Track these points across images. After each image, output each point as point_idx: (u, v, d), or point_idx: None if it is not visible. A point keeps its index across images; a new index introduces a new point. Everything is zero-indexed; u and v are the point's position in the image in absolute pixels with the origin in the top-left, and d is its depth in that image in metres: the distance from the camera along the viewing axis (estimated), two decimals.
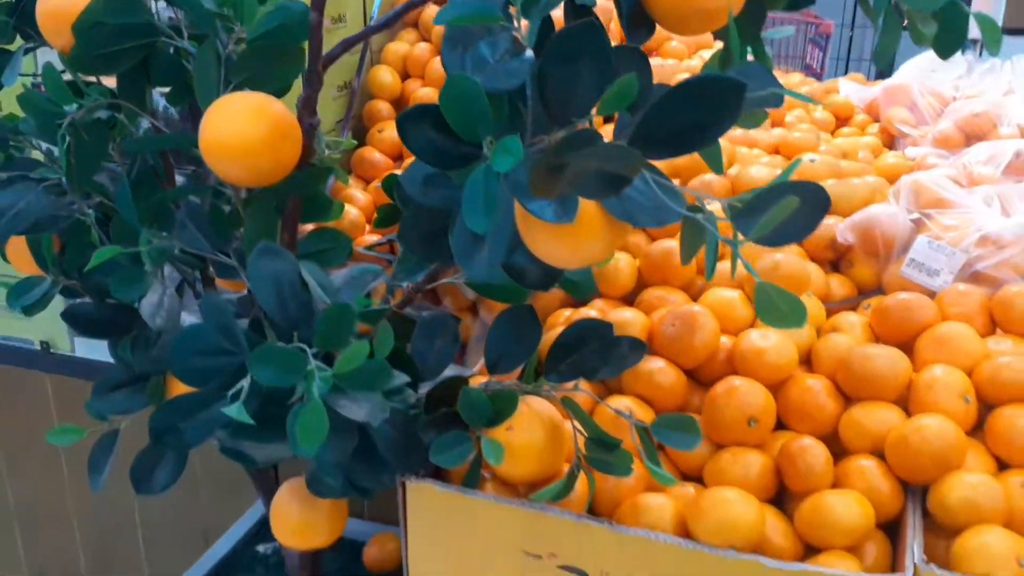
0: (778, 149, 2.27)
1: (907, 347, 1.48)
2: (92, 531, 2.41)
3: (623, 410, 1.43)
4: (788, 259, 1.55)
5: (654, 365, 1.47)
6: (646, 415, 1.44)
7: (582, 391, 1.32)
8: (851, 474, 1.31)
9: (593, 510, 1.34)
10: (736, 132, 2.26)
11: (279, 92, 1.21)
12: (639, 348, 1.27)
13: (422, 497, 1.33)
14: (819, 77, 5.14)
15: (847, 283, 1.78)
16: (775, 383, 1.44)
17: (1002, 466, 1.32)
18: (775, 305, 0.83)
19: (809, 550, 1.26)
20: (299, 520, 1.39)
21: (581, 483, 1.35)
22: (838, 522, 1.22)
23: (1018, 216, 1.67)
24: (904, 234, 1.70)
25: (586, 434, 1.26)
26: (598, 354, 1.29)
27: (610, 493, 1.34)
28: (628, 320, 1.51)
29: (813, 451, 1.31)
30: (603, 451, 1.24)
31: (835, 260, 1.84)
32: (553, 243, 0.95)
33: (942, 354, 1.42)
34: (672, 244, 1.71)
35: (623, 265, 1.70)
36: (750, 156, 2.06)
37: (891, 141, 3.03)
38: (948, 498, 1.22)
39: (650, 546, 1.21)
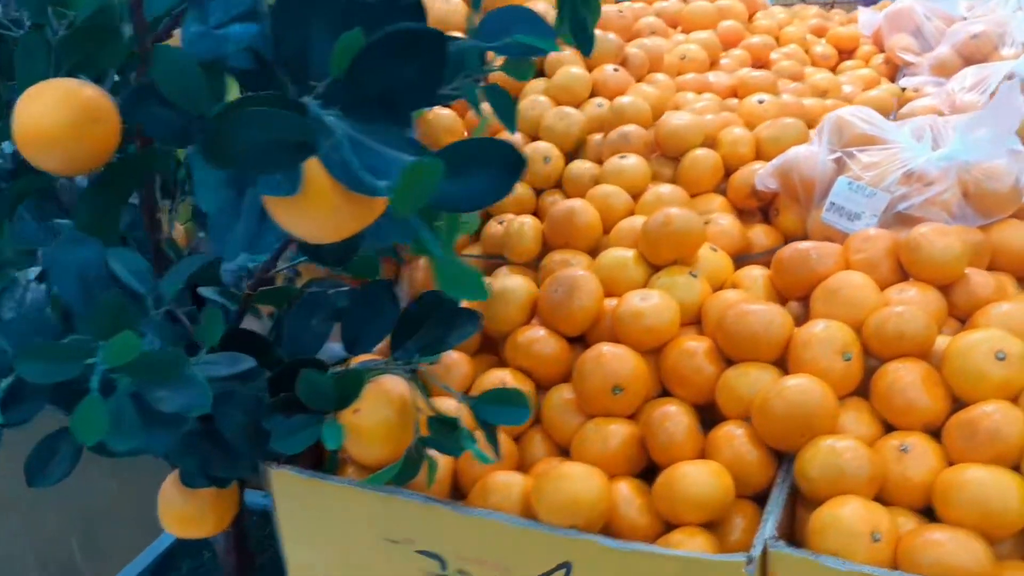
0: (736, 91, 2.14)
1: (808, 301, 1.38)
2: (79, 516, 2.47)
3: (500, 383, 1.38)
4: (680, 215, 1.45)
5: (534, 334, 1.40)
6: (525, 387, 1.38)
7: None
8: (718, 443, 1.22)
9: (463, 492, 1.30)
10: (688, 76, 2.14)
11: None
12: (473, 319, 1.21)
13: (285, 483, 1.31)
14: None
15: (773, 233, 1.67)
16: (656, 347, 1.36)
17: (889, 429, 1.22)
18: (456, 277, 0.76)
19: (670, 527, 1.19)
20: (181, 510, 1.38)
21: (447, 464, 1.31)
22: (690, 496, 1.14)
23: (946, 148, 1.52)
24: (825, 177, 1.57)
25: (429, 413, 1.21)
26: (442, 328, 1.23)
27: (474, 473, 1.29)
28: (511, 287, 1.45)
29: (675, 419, 1.23)
30: (444, 430, 1.19)
31: (765, 208, 1.73)
32: (292, 217, 0.90)
33: (832, 307, 1.31)
34: (577, 204, 1.62)
35: (527, 228, 1.63)
36: (687, 102, 1.94)
37: (895, 72, 2.85)
38: (809, 467, 1.13)
39: (493, 527, 1.16)
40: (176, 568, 1.96)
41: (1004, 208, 1.48)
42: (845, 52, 2.94)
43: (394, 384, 1.26)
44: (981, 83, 2.30)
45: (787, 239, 1.66)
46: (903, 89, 2.60)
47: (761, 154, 1.74)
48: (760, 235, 1.65)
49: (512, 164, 0.75)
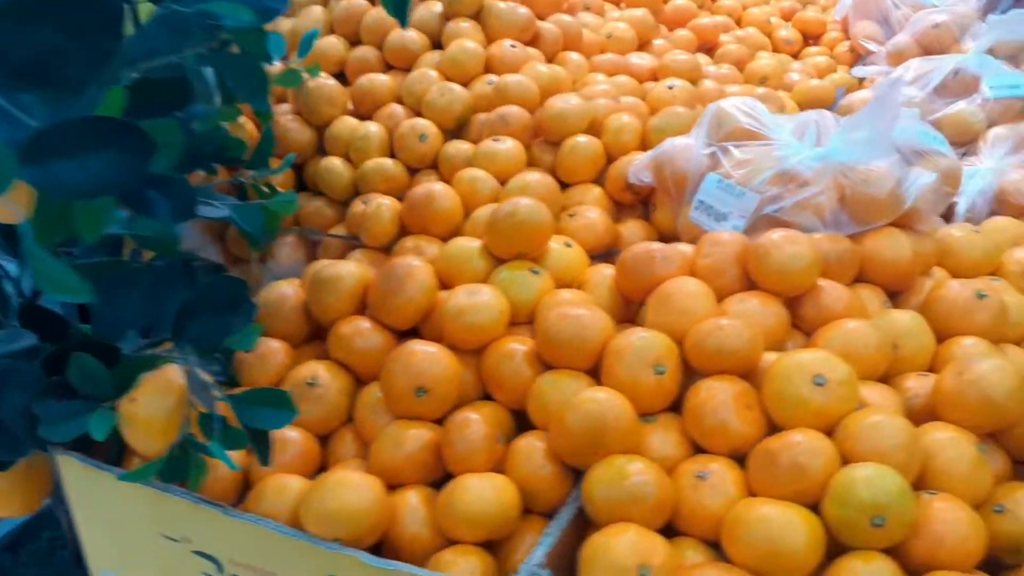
0: (655, 75, 2.02)
1: None
2: None
3: (311, 377, 1.29)
4: (527, 205, 1.35)
5: (357, 326, 1.31)
6: (340, 382, 1.29)
7: None
8: (514, 455, 1.13)
9: None
10: (606, 56, 2.02)
11: None
12: (249, 309, 1.12)
13: (70, 469, 1.24)
14: None
15: (647, 230, 1.56)
16: (479, 346, 1.26)
17: (700, 451, 1.12)
18: (49, 275, 0.68)
19: (451, 543, 1.10)
20: None
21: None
22: (465, 512, 1.05)
23: (823, 148, 1.40)
24: (698, 172, 1.46)
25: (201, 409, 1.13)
26: (226, 316, 1.14)
27: (260, 474, 1.20)
28: (338, 275, 1.35)
29: (472, 427, 1.14)
30: (208, 428, 1.11)
31: (644, 203, 1.62)
32: None
33: (663, 315, 1.21)
34: (436, 187, 1.53)
35: (384, 210, 1.54)
36: (594, 84, 1.83)
37: (858, 61, 2.71)
38: (595, 488, 1.04)
39: (260, 534, 1.08)
40: (36, 538, 1.91)
41: (881, 215, 1.37)
42: (812, 37, 2.80)
43: (178, 374, 1.18)
44: (923, 77, 2.17)
45: (662, 237, 1.56)
46: (861, 80, 2.48)
47: (646, 144, 1.64)
48: (634, 231, 1.55)
49: (136, 146, 0.66)
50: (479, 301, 1.25)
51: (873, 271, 1.34)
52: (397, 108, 1.75)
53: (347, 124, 1.75)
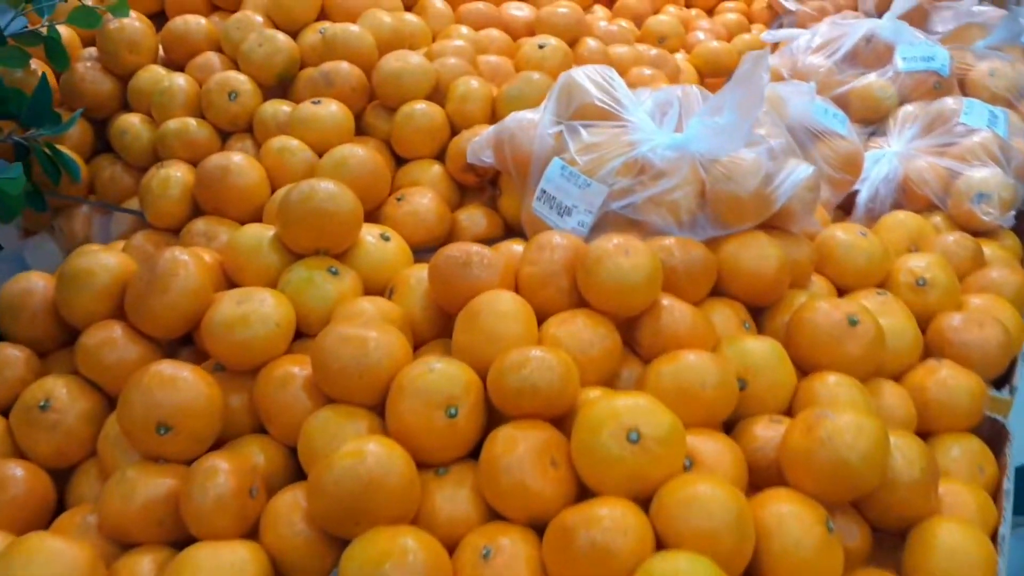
0: (533, 29, 1.78)
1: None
2: None
3: (44, 399, 1.06)
4: (325, 188, 1.11)
5: (108, 335, 1.07)
6: (85, 403, 1.06)
7: None
8: (267, 516, 0.92)
9: None
10: (476, 5, 1.77)
11: None
12: None
13: None
14: None
15: (493, 220, 1.34)
16: (254, 368, 1.04)
17: (497, 517, 0.92)
18: None
19: None
20: None
21: None
22: None
23: (680, 134, 1.19)
24: (543, 154, 1.24)
25: None
26: None
27: None
28: (90, 268, 1.10)
29: (217, 477, 0.91)
30: None
31: (493, 184, 1.40)
32: None
33: (470, 337, 0.99)
34: (235, 159, 1.28)
35: (172, 183, 1.29)
36: (447, 39, 1.58)
37: (775, 20, 2.50)
38: (349, 566, 0.83)
39: None
40: None
41: (746, 216, 1.16)
42: None
43: None
44: (832, 43, 1.96)
45: (510, 230, 1.34)
46: (774, 46, 2.26)
47: (497, 116, 1.40)
48: (476, 222, 1.33)
49: None
50: (249, 311, 1.03)
51: (732, 283, 1.14)
52: (213, 58, 1.49)
53: (151, 75, 1.48)
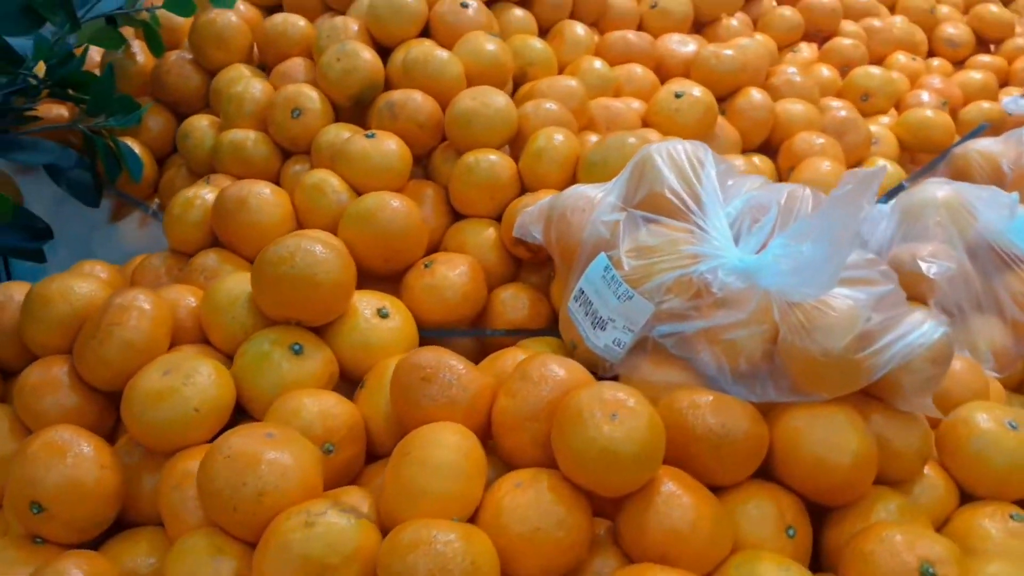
0: (689, 70, 1.50)
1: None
2: None
3: None
4: (307, 249, 0.92)
5: (46, 376, 0.95)
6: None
7: None
8: None
9: None
10: (623, 35, 1.52)
11: None
12: None
13: None
14: None
15: (537, 306, 1.11)
16: (174, 451, 0.88)
17: None
18: None
19: None
20: None
21: None
22: None
23: (758, 255, 0.89)
24: (591, 245, 0.98)
25: None
26: None
27: None
28: (49, 296, 0.98)
29: None
30: None
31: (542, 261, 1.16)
32: None
33: (392, 487, 0.78)
34: (258, 190, 1.12)
35: (194, 207, 1.16)
36: (575, 69, 1.35)
37: None
38: None
39: None
40: None
41: (824, 384, 0.86)
42: (989, 42, 2.13)
43: None
44: None
45: (555, 316, 1.10)
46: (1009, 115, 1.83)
47: (577, 178, 1.16)
48: (518, 305, 1.10)
49: None
50: (169, 387, 0.87)
51: (788, 470, 0.85)
52: (299, 66, 1.35)
53: (231, 76, 1.36)
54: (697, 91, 1.35)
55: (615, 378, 0.95)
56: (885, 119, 1.63)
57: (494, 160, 1.16)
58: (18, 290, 1.06)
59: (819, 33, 1.87)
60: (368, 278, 1.08)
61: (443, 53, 1.25)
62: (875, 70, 1.66)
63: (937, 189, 1.21)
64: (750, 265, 0.87)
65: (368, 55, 1.27)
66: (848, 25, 1.89)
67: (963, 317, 1.13)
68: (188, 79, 1.40)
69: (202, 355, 0.93)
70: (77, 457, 0.84)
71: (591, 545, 0.79)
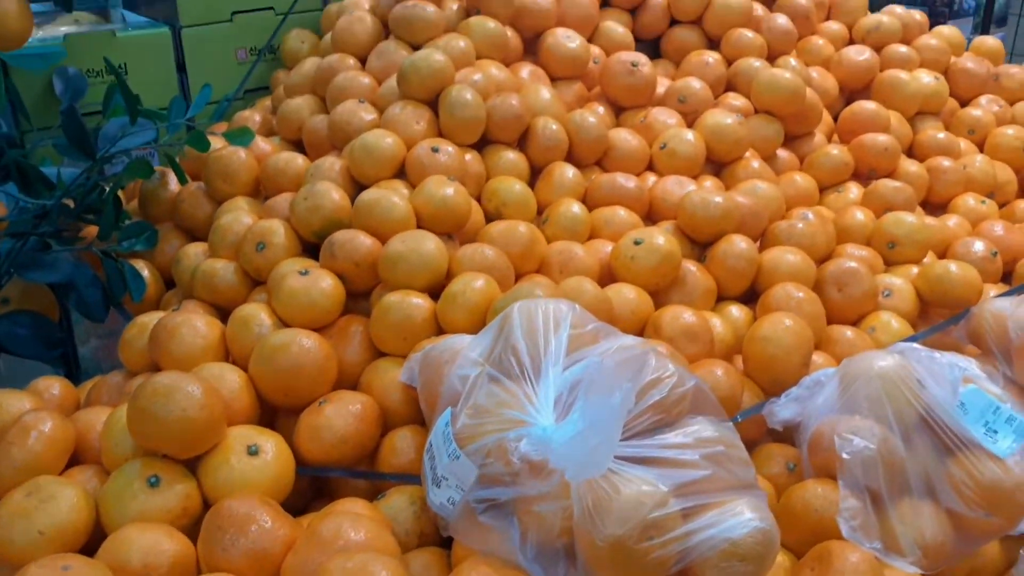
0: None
1: None
2: None
3: None
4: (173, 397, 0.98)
5: None
6: None
7: None
8: None
9: None
10: (616, 178, 1.52)
11: None
12: None
13: None
14: None
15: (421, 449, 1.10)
16: None
17: None
18: None
19: None
20: None
21: None
22: None
23: (562, 424, 0.85)
24: (448, 397, 0.97)
25: None
26: None
27: None
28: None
29: None
30: None
31: None
32: None
33: None
34: (188, 322, 1.20)
35: (145, 331, 1.25)
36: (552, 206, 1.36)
37: None
38: None
39: None
40: None
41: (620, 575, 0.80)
42: None
43: None
44: None
45: None
46: None
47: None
48: (400, 446, 1.10)
49: None
50: (22, 510, 0.94)
51: None
52: (285, 200, 1.44)
53: (227, 207, 1.47)
54: (660, 239, 1.32)
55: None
56: (915, 269, 1.50)
57: (411, 302, 1.18)
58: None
59: (873, 173, 1.76)
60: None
61: (393, 196, 1.30)
62: (907, 216, 1.55)
63: (879, 359, 1.10)
64: (550, 437, 0.84)
65: (336, 195, 1.34)
66: (909, 165, 1.78)
67: (880, 504, 1.01)
68: (200, 207, 1.53)
69: (68, 481, 1.00)
70: None
71: None
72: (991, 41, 2.32)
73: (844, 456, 1.01)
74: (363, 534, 0.86)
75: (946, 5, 3.06)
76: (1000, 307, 1.31)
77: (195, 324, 1.20)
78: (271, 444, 1.05)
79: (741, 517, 0.80)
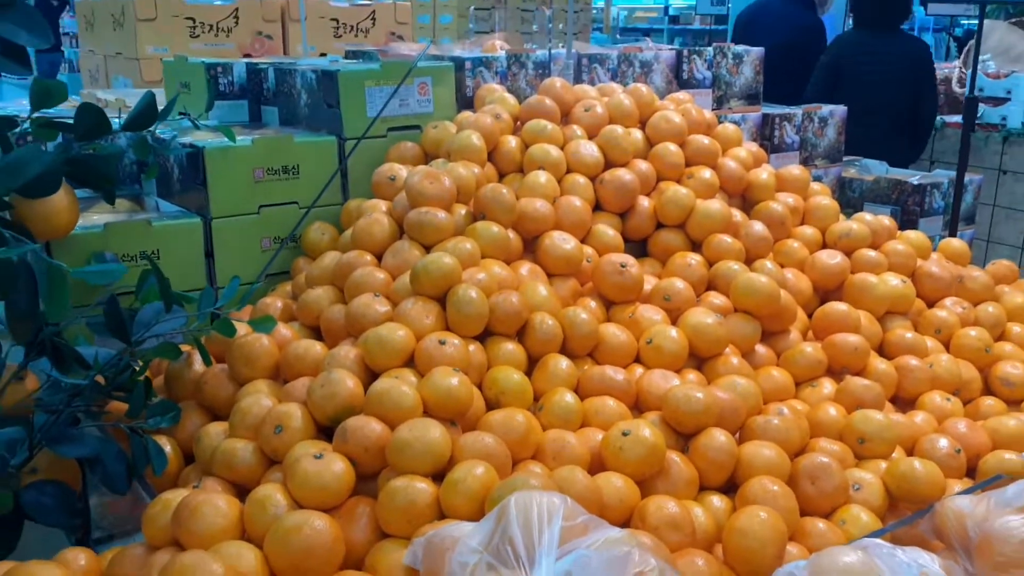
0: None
1: None
2: None
3: None
4: None
5: None
6: None
7: None
8: None
9: None
10: (604, 370, 1.66)
11: None
12: None
13: None
14: None
15: None
16: None
17: None
18: None
19: None
20: None
21: None
22: None
23: None
24: None
25: None
26: None
27: None
28: None
29: None
30: None
31: None
32: None
33: None
34: (210, 502, 1.31)
35: (168, 510, 1.35)
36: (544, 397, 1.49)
37: None
38: None
39: None
40: None
41: None
42: None
43: None
44: None
45: None
46: None
47: (484, 512, 1.26)
48: None
49: None
50: None
51: None
52: (303, 385, 1.57)
53: (247, 390, 1.60)
54: (647, 431, 1.44)
55: None
56: (883, 464, 1.61)
57: (416, 487, 1.29)
58: None
59: (845, 370, 1.90)
60: None
61: (403, 386, 1.43)
62: (875, 414, 1.67)
63: (844, 554, 1.20)
64: None
65: (350, 383, 1.48)
66: (879, 363, 1.92)
67: None
68: (222, 388, 1.65)
69: None
70: None
71: None
72: (956, 243, 2.51)
73: None
74: None
75: (918, 204, 3.29)
76: (960, 505, 1.42)
77: (216, 504, 1.31)
78: None
79: None
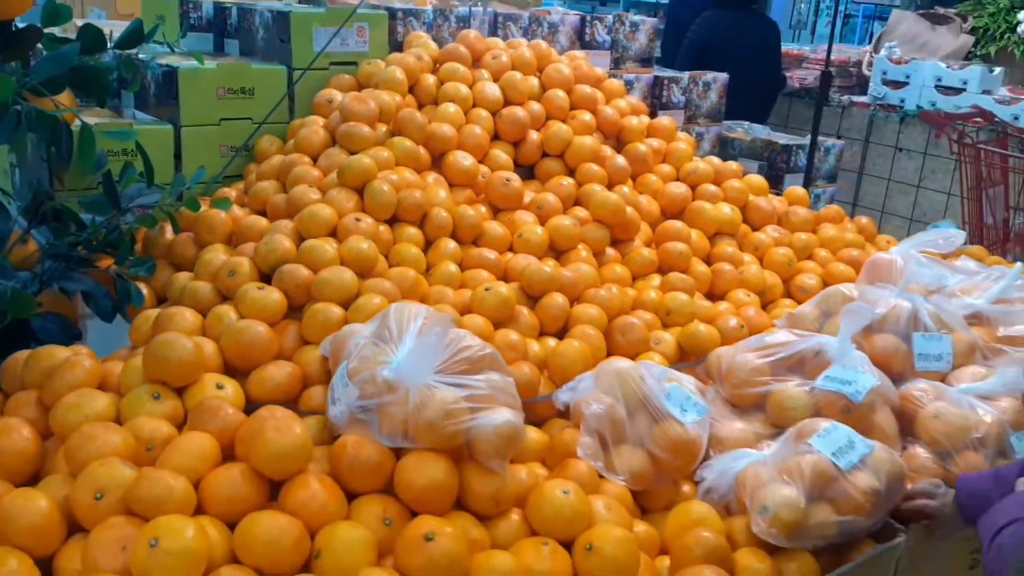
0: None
1: None
2: None
3: None
4: None
5: None
6: None
7: None
8: None
9: None
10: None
11: None
12: None
13: None
14: None
15: None
16: None
17: None
18: None
19: None
20: None
21: None
22: None
23: (400, 356, 1.49)
24: (350, 351, 1.62)
25: None
26: None
27: None
28: None
29: None
30: None
31: None
32: None
33: None
34: (182, 315, 1.82)
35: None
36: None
37: None
38: None
39: None
40: None
41: (428, 439, 1.43)
42: None
43: None
44: (775, 348, 2.03)
45: None
46: None
47: None
48: None
49: None
50: None
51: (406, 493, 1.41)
52: (250, 248, 2.08)
53: (208, 250, 2.10)
54: (504, 288, 1.99)
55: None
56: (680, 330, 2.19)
57: (331, 310, 1.82)
58: None
59: (672, 270, 2.47)
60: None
61: (325, 245, 1.95)
62: (681, 295, 2.25)
63: (619, 362, 1.77)
64: (399, 368, 1.48)
65: (288, 243, 2.00)
66: (699, 266, 2.49)
67: (605, 445, 1.66)
68: (188, 249, 2.16)
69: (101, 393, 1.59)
70: None
71: None
72: (799, 190, 3.09)
73: (584, 412, 1.67)
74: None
75: (784, 162, 3.89)
76: (722, 351, 2.00)
77: (185, 315, 1.82)
78: (231, 385, 1.67)
79: (502, 415, 1.44)
